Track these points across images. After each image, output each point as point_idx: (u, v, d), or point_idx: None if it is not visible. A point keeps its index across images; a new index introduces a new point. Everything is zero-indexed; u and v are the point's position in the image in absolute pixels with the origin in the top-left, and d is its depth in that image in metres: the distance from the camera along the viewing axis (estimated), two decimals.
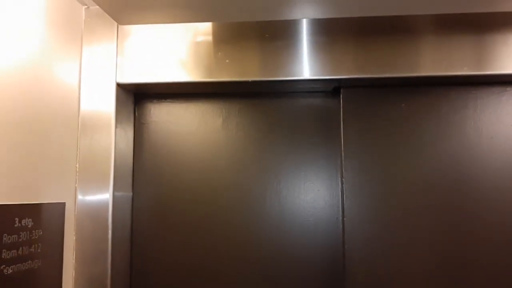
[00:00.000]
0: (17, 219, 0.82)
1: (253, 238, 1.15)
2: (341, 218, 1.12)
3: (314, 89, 1.15)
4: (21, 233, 0.83)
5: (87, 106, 1.06)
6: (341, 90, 1.12)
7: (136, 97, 1.19)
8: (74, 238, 1.01)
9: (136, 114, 1.20)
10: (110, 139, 1.07)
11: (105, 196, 1.06)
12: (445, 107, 1.11)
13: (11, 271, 0.79)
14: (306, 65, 1.06)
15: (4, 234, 0.78)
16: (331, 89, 1.14)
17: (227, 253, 1.15)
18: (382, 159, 1.10)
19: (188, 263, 1.15)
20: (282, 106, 1.18)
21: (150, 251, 1.17)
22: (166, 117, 1.19)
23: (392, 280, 1.06)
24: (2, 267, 0.77)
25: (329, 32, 1.07)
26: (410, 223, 1.08)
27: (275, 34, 1.08)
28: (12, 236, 0.80)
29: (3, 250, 0.78)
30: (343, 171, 1.10)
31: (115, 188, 1.07)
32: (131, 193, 1.17)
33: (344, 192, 1.09)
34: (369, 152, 1.10)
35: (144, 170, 1.18)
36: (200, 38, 1.08)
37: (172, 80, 1.08)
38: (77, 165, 1.04)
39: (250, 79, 1.06)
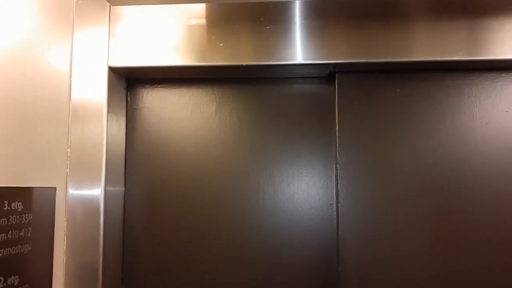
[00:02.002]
0: (6, 202, 0.80)
1: (247, 225, 1.14)
2: (335, 204, 1.11)
3: (309, 74, 1.14)
4: (10, 216, 0.81)
5: (78, 91, 1.04)
6: (336, 76, 1.11)
7: (129, 82, 1.18)
8: (65, 223, 0.99)
9: (129, 99, 1.18)
10: (102, 124, 1.05)
11: (97, 182, 1.04)
12: (440, 93, 1.10)
13: (0, 255, 0.78)
14: (300, 49, 1.05)
15: None
16: (326, 74, 1.13)
17: (221, 242, 1.14)
18: (377, 145, 1.09)
19: (181, 253, 1.14)
20: (276, 92, 1.17)
21: (142, 238, 1.15)
22: (158, 102, 1.18)
23: (387, 267, 1.06)
24: None
25: (324, 15, 1.06)
26: (405, 209, 1.07)
27: (270, 17, 1.06)
28: (1, 219, 0.78)
29: None
30: (338, 157, 1.09)
31: (107, 175, 1.06)
32: (123, 180, 1.16)
33: (339, 178, 1.09)
34: (364, 138, 1.10)
35: (136, 156, 1.17)
36: (194, 21, 1.07)
37: (165, 64, 1.06)
38: (68, 150, 1.02)
39: (244, 63, 1.05)
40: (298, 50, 1.05)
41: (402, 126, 1.10)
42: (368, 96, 1.11)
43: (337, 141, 1.10)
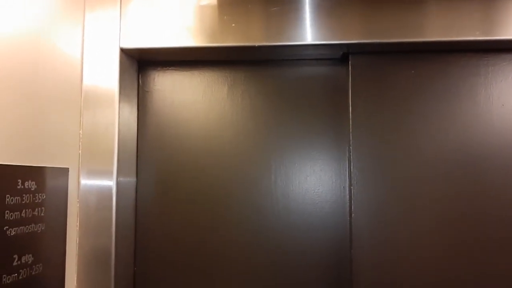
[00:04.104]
0: (20, 180, 0.80)
1: (259, 208, 1.13)
2: (348, 186, 1.10)
3: (322, 56, 1.13)
4: (24, 195, 0.81)
5: (90, 72, 1.04)
6: (350, 57, 1.10)
7: (140, 64, 1.17)
8: (78, 205, 1.00)
9: (140, 82, 1.17)
10: (114, 106, 1.05)
11: (110, 165, 1.04)
12: (456, 74, 1.08)
13: (14, 232, 0.78)
14: (313, 30, 1.04)
15: (7, 195, 0.77)
16: (339, 55, 1.12)
17: (233, 226, 1.13)
18: (391, 127, 1.08)
19: (192, 237, 1.14)
20: (289, 74, 1.15)
21: (154, 221, 1.15)
22: (170, 85, 1.17)
23: (400, 249, 1.05)
24: (5, 228, 0.76)
25: None
26: (419, 191, 1.06)
27: None
28: (15, 197, 0.79)
29: (6, 211, 0.76)
30: (351, 139, 1.08)
31: (119, 158, 1.05)
32: (135, 162, 1.15)
33: (352, 160, 1.07)
34: (378, 121, 1.08)
35: (148, 139, 1.16)
36: (206, 1, 1.05)
37: (176, 45, 1.05)
38: (81, 132, 1.02)
39: (257, 44, 1.04)
40: (311, 30, 1.04)
41: (416, 108, 1.08)
42: (382, 77, 1.09)
43: (351, 123, 1.08)
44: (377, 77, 1.09)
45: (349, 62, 1.10)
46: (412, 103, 1.08)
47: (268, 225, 1.12)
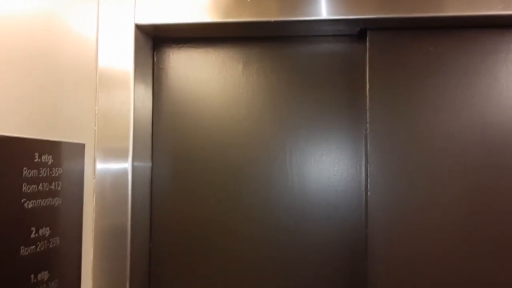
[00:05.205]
0: (37, 154, 0.81)
1: (274, 188, 1.12)
2: (364, 165, 1.09)
3: (339, 32, 1.11)
4: (41, 168, 0.82)
5: (105, 49, 1.04)
6: (367, 33, 1.07)
7: (155, 41, 1.16)
8: (94, 181, 1.00)
9: (155, 59, 1.17)
10: (129, 83, 1.05)
11: (125, 141, 1.04)
12: (476, 50, 1.06)
13: (31, 205, 0.79)
14: (330, 4, 1.02)
15: (24, 168, 0.77)
16: (356, 31, 1.10)
17: (248, 206, 1.13)
18: (410, 105, 1.06)
19: (207, 215, 1.14)
20: (304, 51, 1.14)
21: (170, 198, 1.16)
22: (185, 63, 1.16)
23: (416, 229, 1.04)
24: (22, 201, 0.77)
25: None
26: (437, 170, 1.04)
27: None
28: (32, 170, 0.79)
29: (24, 184, 0.77)
30: (368, 118, 1.06)
31: (135, 135, 1.06)
32: (150, 139, 1.16)
33: (369, 139, 1.06)
34: (396, 99, 1.06)
35: (163, 117, 1.16)
36: None
37: (192, 21, 1.04)
38: (96, 109, 1.03)
39: (272, 19, 1.02)
40: (327, 5, 1.02)
41: (435, 86, 1.06)
42: (401, 54, 1.07)
43: (368, 101, 1.07)
44: (395, 53, 1.07)
45: (367, 38, 1.07)
46: (431, 81, 1.06)
47: (283, 204, 1.12)
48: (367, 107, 1.07)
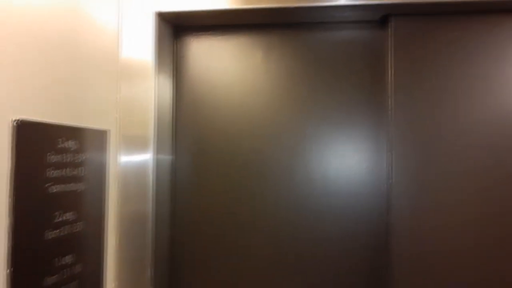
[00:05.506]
0: (60, 139, 0.82)
1: (295, 178, 1.12)
2: (386, 152, 1.07)
3: (361, 18, 1.09)
4: (65, 154, 0.83)
5: (127, 37, 1.04)
6: (390, 18, 1.06)
7: (176, 30, 1.17)
8: (117, 167, 1.01)
9: (176, 47, 1.17)
10: (151, 71, 1.06)
11: (147, 126, 1.05)
12: (503, 35, 1.03)
13: (55, 190, 0.80)
14: None
15: (49, 153, 0.78)
16: (378, 17, 1.08)
17: (267, 196, 1.13)
18: (435, 93, 1.04)
19: (228, 201, 1.15)
20: (325, 38, 1.13)
21: (191, 186, 1.16)
22: (206, 51, 1.17)
23: (439, 219, 1.02)
24: (47, 185, 0.78)
25: None
26: (463, 159, 1.02)
27: None
28: (57, 156, 0.80)
29: (48, 169, 0.78)
30: (392, 105, 1.05)
31: (156, 122, 1.06)
32: (171, 128, 1.16)
33: (392, 126, 1.04)
34: (420, 85, 1.04)
35: (184, 103, 1.17)
36: None
37: (212, 8, 1.04)
38: (118, 96, 1.03)
39: (293, 5, 1.01)
40: None
41: (460, 72, 1.04)
42: (425, 40, 1.05)
43: (391, 88, 1.05)
44: (419, 40, 1.05)
45: (390, 24, 1.06)
46: (456, 67, 1.04)
47: (304, 192, 1.12)
48: (390, 95, 1.05)
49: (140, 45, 1.05)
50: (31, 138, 0.74)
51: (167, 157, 1.14)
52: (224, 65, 1.16)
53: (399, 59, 1.06)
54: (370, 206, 1.10)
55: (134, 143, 1.04)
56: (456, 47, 1.04)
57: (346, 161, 1.11)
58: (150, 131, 1.06)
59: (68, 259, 0.83)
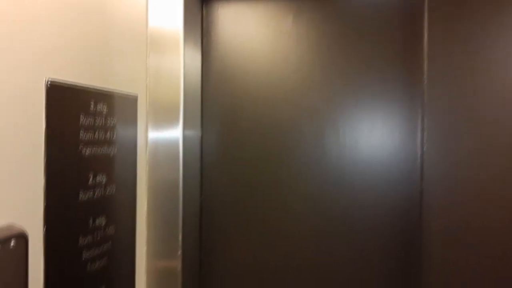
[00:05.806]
0: (92, 102, 0.82)
1: (325, 158, 1.10)
2: (420, 124, 1.04)
3: None
4: (96, 117, 0.83)
5: (155, 5, 1.04)
6: None
7: None
8: (147, 134, 1.02)
9: (204, 14, 1.16)
10: (179, 39, 1.05)
11: (176, 93, 1.05)
12: None
13: (88, 152, 0.81)
14: None
15: (81, 115, 0.79)
16: None
17: (296, 176, 1.12)
18: (475, 67, 0.99)
19: (257, 177, 1.14)
20: (357, 1, 1.09)
21: (219, 156, 1.16)
22: (234, 17, 1.15)
23: (471, 211, 1.00)
24: (80, 147, 0.79)
25: None
26: (499, 138, 0.99)
27: None
28: (89, 118, 0.81)
29: (81, 131, 0.79)
30: (426, 82, 1.01)
31: (185, 90, 1.06)
32: (200, 97, 1.16)
33: (426, 106, 1.01)
34: (458, 57, 1.00)
35: (212, 72, 1.16)
36: None
37: None
38: (148, 62, 1.03)
39: None
40: None
41: (505, 41, 0.99)
42: (465, 4, 1.00)
43: (426, 58, 1.01)
44: (457, 4, 1.01)
45: None
46: (500, 35, 0.99)
47: (335, 171, 1.10)
48: (425, 59, 1.02)
49: (168, 12, 1.04)
50: (65, 100, 0.74)
51: (196, 127, 1.14)
52: (253, 31, 1.14)
53: (434, 26, 1.02)
54: (403, 186, 1.07)
55: (163, 111, 1.04)
56: (496, 10, 1.00)
57: (378, 139, 1.08)
58: (179, 98, 1.05)
59: (101, 220, 0.84)
